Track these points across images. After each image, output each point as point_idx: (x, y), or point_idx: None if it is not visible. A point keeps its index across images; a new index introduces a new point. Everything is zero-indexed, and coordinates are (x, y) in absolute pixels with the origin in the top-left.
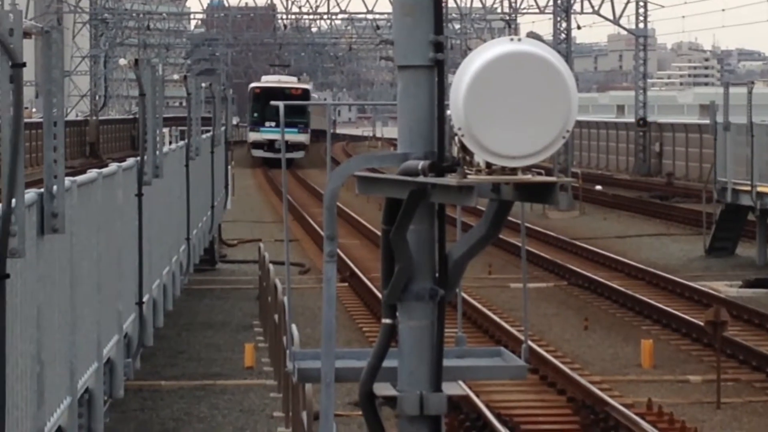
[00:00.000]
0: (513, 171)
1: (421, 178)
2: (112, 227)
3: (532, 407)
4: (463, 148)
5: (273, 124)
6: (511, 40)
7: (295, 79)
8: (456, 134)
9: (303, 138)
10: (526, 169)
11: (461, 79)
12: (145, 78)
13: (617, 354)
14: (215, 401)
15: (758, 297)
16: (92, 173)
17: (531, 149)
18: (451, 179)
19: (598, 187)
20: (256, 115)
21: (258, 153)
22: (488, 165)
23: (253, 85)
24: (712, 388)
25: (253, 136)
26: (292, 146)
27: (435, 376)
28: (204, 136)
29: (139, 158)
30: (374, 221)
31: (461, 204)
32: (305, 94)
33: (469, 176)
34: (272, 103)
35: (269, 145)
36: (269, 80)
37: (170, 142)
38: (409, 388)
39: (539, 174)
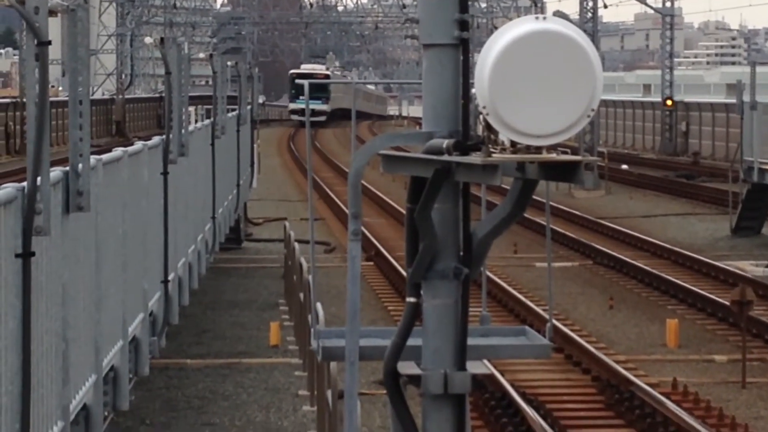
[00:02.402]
0: (538, 150)
1: (445, 157)
2: (138, 206)
3: (557, 386)
4: (488, 126)
5: (303, 97)
6: (536, 18)
7: (323, 67)
8: (481, 113)
9: (324, 107)
10: (551, 148)
11: (486, 58)
12: (171, 57)
13: (642, 333)
14: (240, 379)
15: None
16: (117, 151)
17: (556, 128)
18: (475, 158)
19: (624, 167)
20: (293, 91)
21: (294, 117)
22: (513, 144)
23: (292, 71)
24: (738, 367)
25: (291, 106)
26: (316, 113)
27: (459, 354)
28: (230, 114)
29: (164, 137)
30: (399, 200)
31: (486, 183)
32: (326, 77)
33: (493, 155)
34: (297, 81)
35: (301, 111)
36: (305, 68)
37: (196, 121)
38: (434, 366)
39: (564, 153)
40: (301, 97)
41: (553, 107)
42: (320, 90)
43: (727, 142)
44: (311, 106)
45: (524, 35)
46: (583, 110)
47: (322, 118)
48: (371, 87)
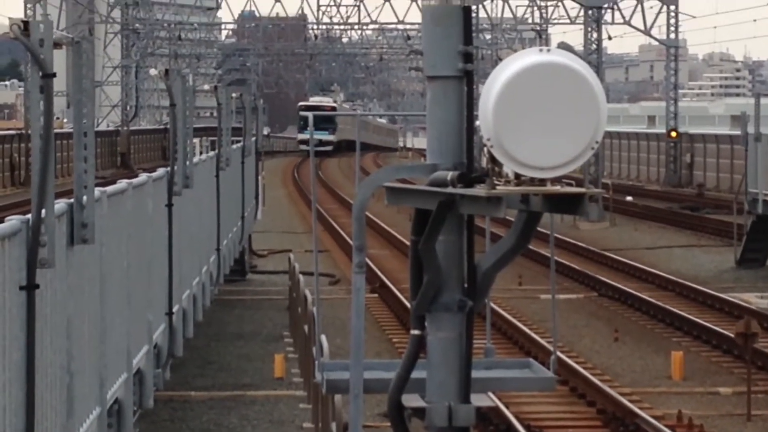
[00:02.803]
0: (542, 182)
1: (450, 189)
2: (142, 237)
3: (561, 419)
4: (492, 158)
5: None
6: (540, 50)
7: (330, 99)
8: (485, 145)
9: (331, 137)
10: (556, 180)
11: (490, 90)
12: (176, 88)
13: (647, 365)
14: (245, 412)
15: None
16: (122, 183)
17: (560, 160)
18: (479, 190)
19: (629, 198)
20: (302, 123)
21: (303, 147)
22: (517, 176)
23: (300, 103)
24: (743, 400)
25: (300, 136)
26: (323, 143)
27: (463, 387)
28: (234, 146)
29: (169, 168)
30: (404, 232)
31: (490, 215)
32: (333, 109)
33: (498, 187)
34: (301, 113)
35: (308, 142)
36: (313, 100)
37: (201, 153)
38: (438, 399)
39: (569, 185)
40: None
41: (558, 139)
42: (327, 121)
43: (732, 173)
44: (318, 137)
45: (528, 67)
46: (588, 142)
47: (329, 148)
48: (382, 120)
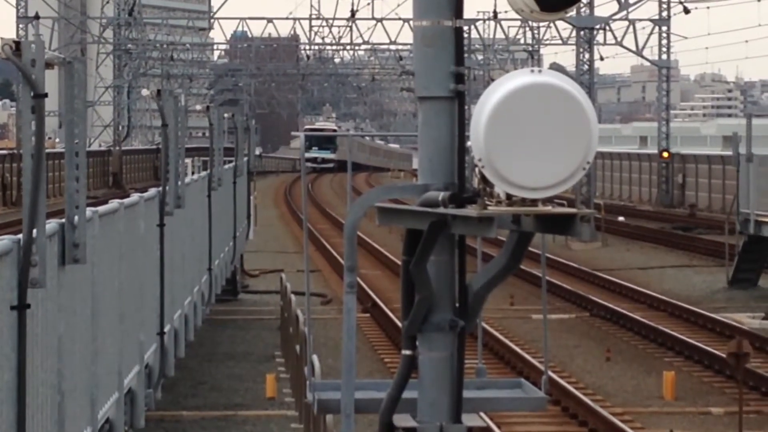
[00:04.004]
0: (533, 202)
1: (441, 210)
2: (134, 257)
3: None
4: (484, 179)
5: (316, 147)
6: (532, 71)
7: (333, 124)
8: (476, 165)
9: (332, 156)
10: (547, 201)
11: (482, 111)
12: (168, 108)
13: (639, 385)
14: None
15: None
16: (114, 203)
17: (551, 181)
18: (471, 210)
19: (621, 219)
20: (308, 143)
21: (309, 164)
22: (508, 196)
23: (306, 126)
24: (735, 420)
25: (306, 155)
26: (325, 161)
27: (455, 407)
28: (226, 166)
29: (161, 188)
30: (396, 252)
31: (481, 235)
32: (333, 131)
33: (489, 207)
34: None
35: (313, 160)
36: (318, 125)
37: (193, 173)
38: (429, 419)
39: (560, 205)
40: (313, 148)
41: (549, 160)
42: (329, 142)
43: (724, 194)
44: (321, 155)
45: (519, 88)
46: (579, 163)
47: (330, 165)
48: (395, 145)
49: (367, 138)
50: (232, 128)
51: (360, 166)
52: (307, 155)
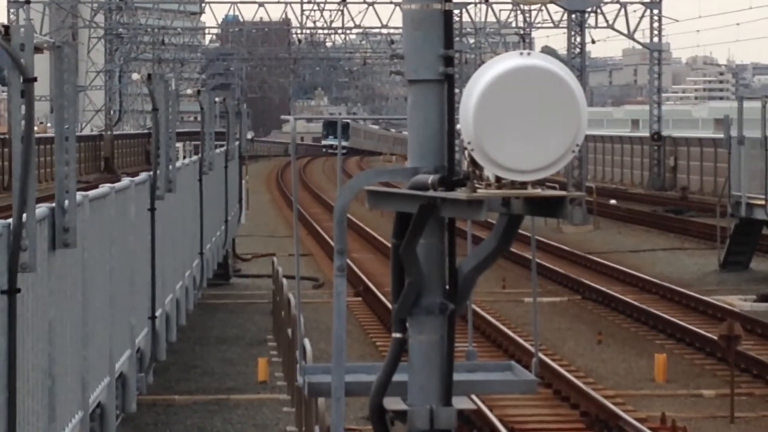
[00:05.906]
0: (523, 185)
1: (430, 192)
2: (125, 242)
3: (545, 422)
4: (473, 162)
5: (332, 137)
6: (521, 54)
7: (347, 115)
8: (466, 148)
9: (345, 143)
10: (537, 183)
11: (471, 94)
12: (158, 93)
13: (631, 368)
14: (228, 416)
15: None
16: (104, 188)
17: (540, 163)
18: (460, 193)
19: (613, 201)
20: (325, 132)
21: (325, 150)
22: (498, 179)
23: (325, 117)
24: (726, 402)
25: (324, 141)
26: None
27: (445, 390)
28: (218, 150)
29: (152, 173)
30: (388, 235)
31: (471, 218)
32: (347, 124)
33: (478, 190)
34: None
35: (331, 147)
36: (334, 117)
37: (184, 157)
38: (419, 402)
39: (551, 188)
40: (330, 137)
41: (538, 142)
42: (343, 131)
43: (715, 176)
44: (334, 142)
45: (508, 71)
46: (568, 145)
47: (344, 151)
48: (406, 132)
49: (377, 126)
50: (224, 112)
51: (371, 152)
52: (325, 143)
